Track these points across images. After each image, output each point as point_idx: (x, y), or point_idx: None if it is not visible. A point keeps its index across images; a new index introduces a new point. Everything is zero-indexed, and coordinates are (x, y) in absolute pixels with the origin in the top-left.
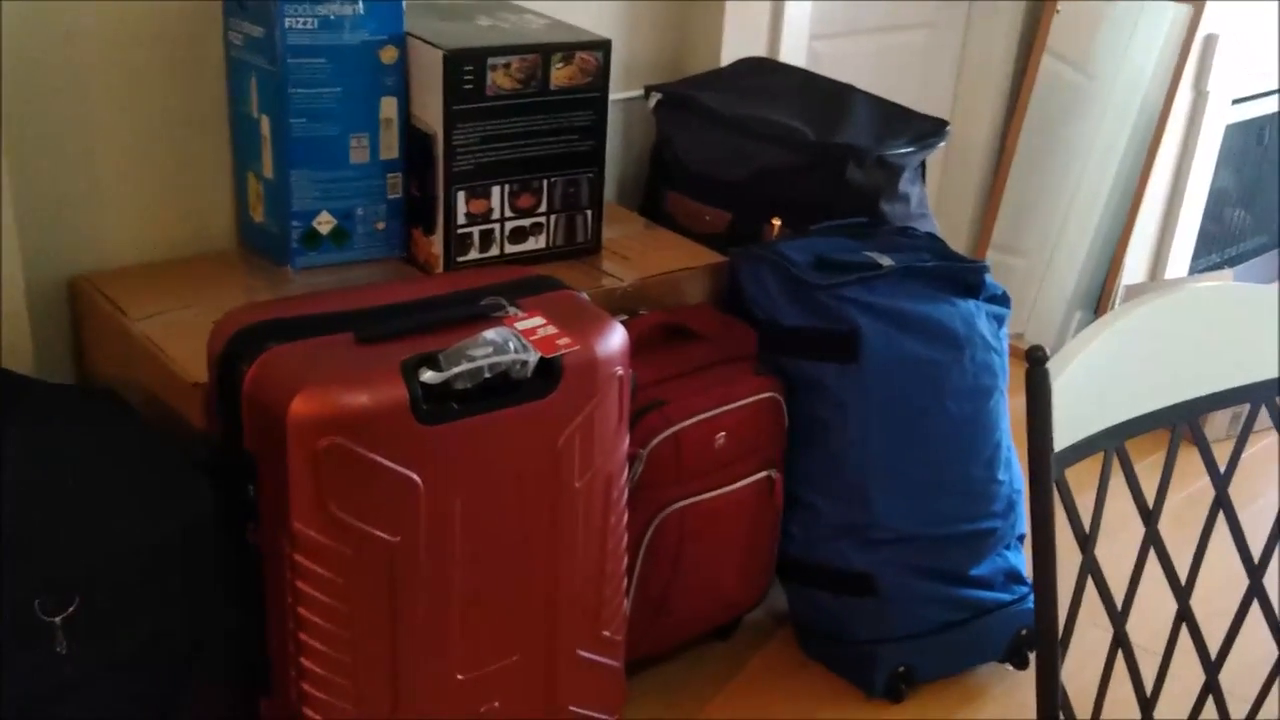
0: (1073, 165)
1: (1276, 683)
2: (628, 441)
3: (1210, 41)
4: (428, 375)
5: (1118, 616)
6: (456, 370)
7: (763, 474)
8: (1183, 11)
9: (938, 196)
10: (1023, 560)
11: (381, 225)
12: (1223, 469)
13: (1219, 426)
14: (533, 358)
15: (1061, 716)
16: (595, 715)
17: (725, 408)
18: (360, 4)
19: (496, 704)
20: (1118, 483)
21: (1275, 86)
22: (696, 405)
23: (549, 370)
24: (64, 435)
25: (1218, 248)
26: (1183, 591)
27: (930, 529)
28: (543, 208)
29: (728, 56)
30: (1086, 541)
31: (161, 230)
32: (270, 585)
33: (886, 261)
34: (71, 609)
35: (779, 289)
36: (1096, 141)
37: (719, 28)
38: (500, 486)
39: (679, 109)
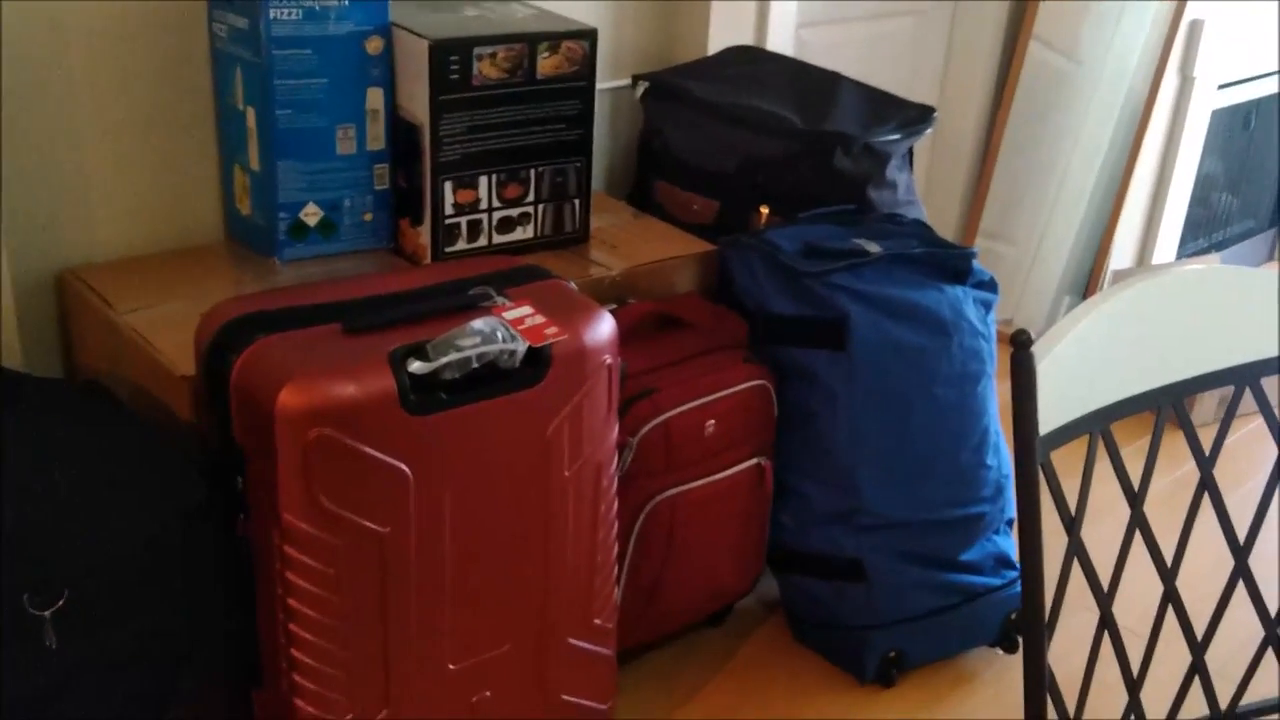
0: (1060, 151)
1: (1262, 663)
2: (617, 430)
3: (1195, 27)
4: (416, 366)
5: (1104, 598)
6: (444, 360)
7: (753, 462)
8: None
9: (926, 184)
10: (1012, 545)
11: (369, 216)
12: (1208, 452)
13: (1207, 410)
14: (521, 347)
15: (1049, 698)
16: (587, 703)
17: (714, 396)
18: None
19: (488, 693)
20: (1105, 466)
21: (1261, 71)
22: (686, 393)
23: (537, 359)
24: (52, 429)
25: (1205, 233)
26: (1169, 573)
27: (920, 514)
28: (530, 197)
29: (715, 45)
30: (1072, 524)
31: (148, 223)
32: (260, 577)
33: (874, 249)
34: (61, 603)
35: (767, 277)
36: (1084, 128)
37: (706, 16)
38: (490, 476)
39: (666, 98)
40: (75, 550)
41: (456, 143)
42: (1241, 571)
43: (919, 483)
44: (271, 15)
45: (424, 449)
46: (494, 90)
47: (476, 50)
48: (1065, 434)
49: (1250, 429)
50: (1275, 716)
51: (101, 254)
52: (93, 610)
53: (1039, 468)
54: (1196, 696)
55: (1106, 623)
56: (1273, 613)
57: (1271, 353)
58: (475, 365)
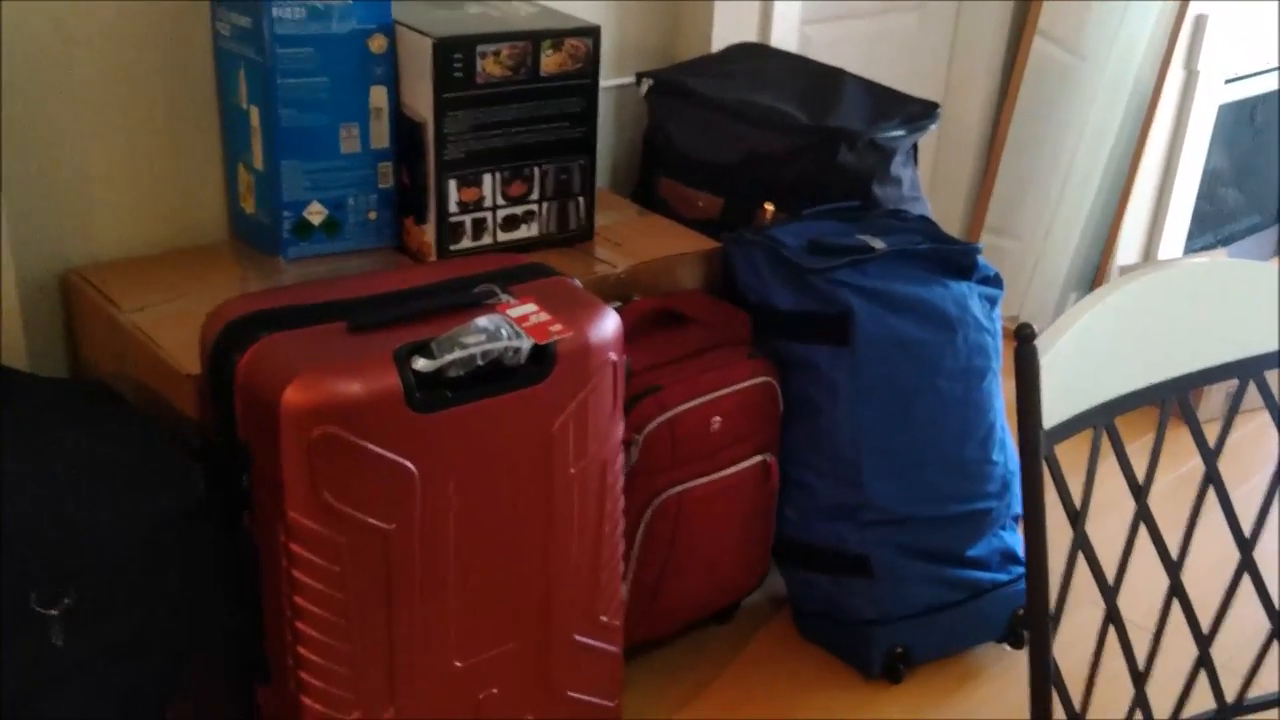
0: (1065, 146)
1: (1268, 656)
2: (622, 427)
3: (1201, 21)
4: (420, 363)
5: (1109, 591)
6: (449, 358)
7: (758, 458)
8: None
9: (931, 179)
10: (1019, 540)
11: (373, 215)
12: (1213, 445)
13: (1215, 405)
14: (526, 344)
15: (1054, 692)
16: (594, 700)
17: (720, 392)
18: None
19: (495, 690)
20: (1113, 461)
21: (1267, 66)
22: (691, 390)
23: (542, 357)
24: (57, 428)
25: (1212, 227)
26: (1174, 566)
27: (925, 509)
28: (535, 195)
29: (719, 42)
30: (1077, 518)
31: (153, 222)
32: (266, 574)
33: (879, 244)
34: (67, 601)
35: (772, 273)
36: (1089, 122)
37: (710, 13)
38: (495, 473)
39: (671, 95)
40: (80, 549)
41: (460, 141)
42: (1247, 565)
43: (924, 478)
44: (275, 14)
45: (429, 446)
46: (498, 88)
47: (480, 48)
48: (1069, 428)
49: (1256, 423)
50: None
51: (106, 253)
52: (98, 607)
53: (1043, 462)
54: (1203, 690)
55: (1112, 617)
56: (1278, 606)
57: (1275, 346)
58: (480, 363)
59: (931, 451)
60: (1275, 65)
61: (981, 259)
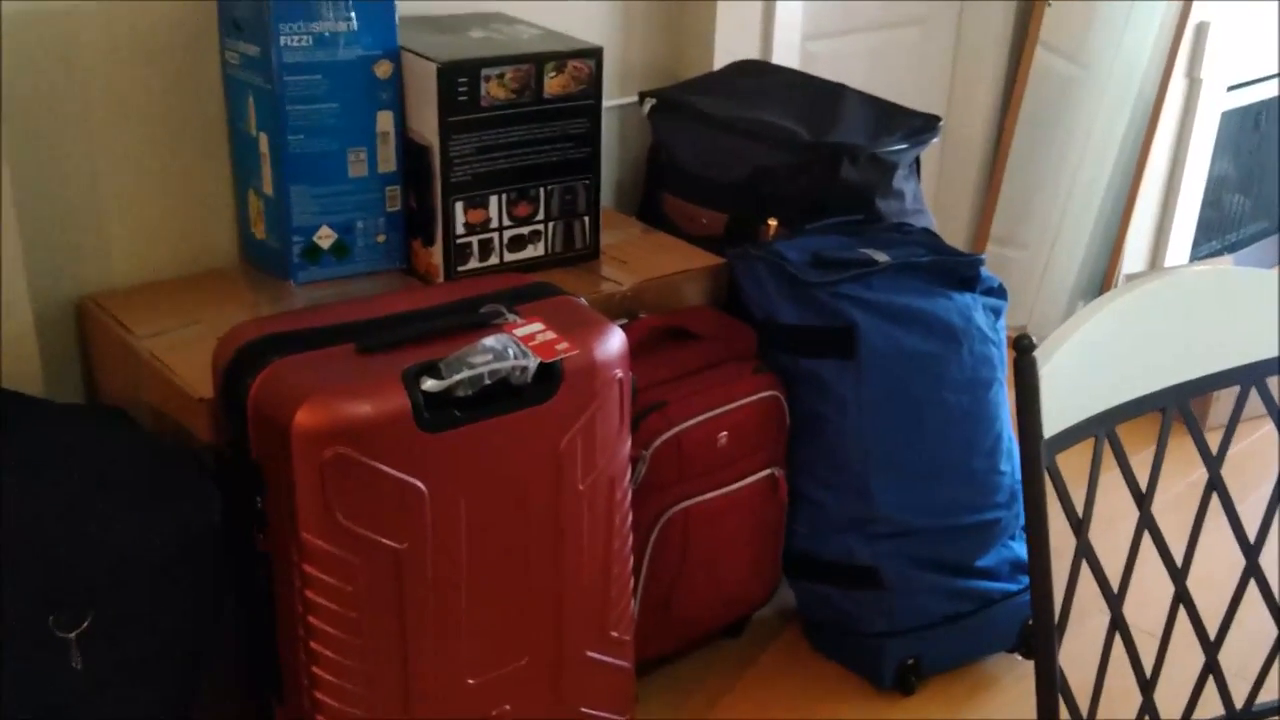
0: (1070, 156)
1: (1276, 662)
2: (630, 443)
3: (1202, 29)
4: (429, 383)
5: (1114, 599)
6: (457, 378)
7: (766, 472)
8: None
9: (936, 191)
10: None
11: (381, 238)
12: (1216, 451)
13: (1222, 412)
14: (532, 363)
15: (1061, 700)
16: (606, 715)
17: (726, 407)
18: (354, 20)
19: (507, 707)
20: (1116, 470)
21: (1270, 72)
22: (698, 405)
23: (549, 375)
24: (74, 452)
25: (1218, 234)
26: (1179, 573)
27: (934, 521)
28: (540, 215)
29: (720, 60)
30: (1080, 527)
31: (165, 249)
32: (280, 594)
33: (882, 257)
34: (85, 623)
35: (776, 288)
36: (1093, 132)
37: (711, 31)
38: (504, 491)
39: (673, 113)
40: (97, 571)
41: (466, 163)
42: (1253, 571)
43: (932, 489)
44: (282, 42)
45: (439, 465)
46: (502, 110)
47: (484, 71)
48: (1071, 437)
49: (1264, 432)
50: None
51: (119, 280)
52: (116, 629)
53: (1044, 471)
54: (1211, 697)
55: (1118, 624)
56: None
57: (1275, 352)
58: (488, 382)
59: (939, 463)
60: (1278, 72)
61: (985, 270)
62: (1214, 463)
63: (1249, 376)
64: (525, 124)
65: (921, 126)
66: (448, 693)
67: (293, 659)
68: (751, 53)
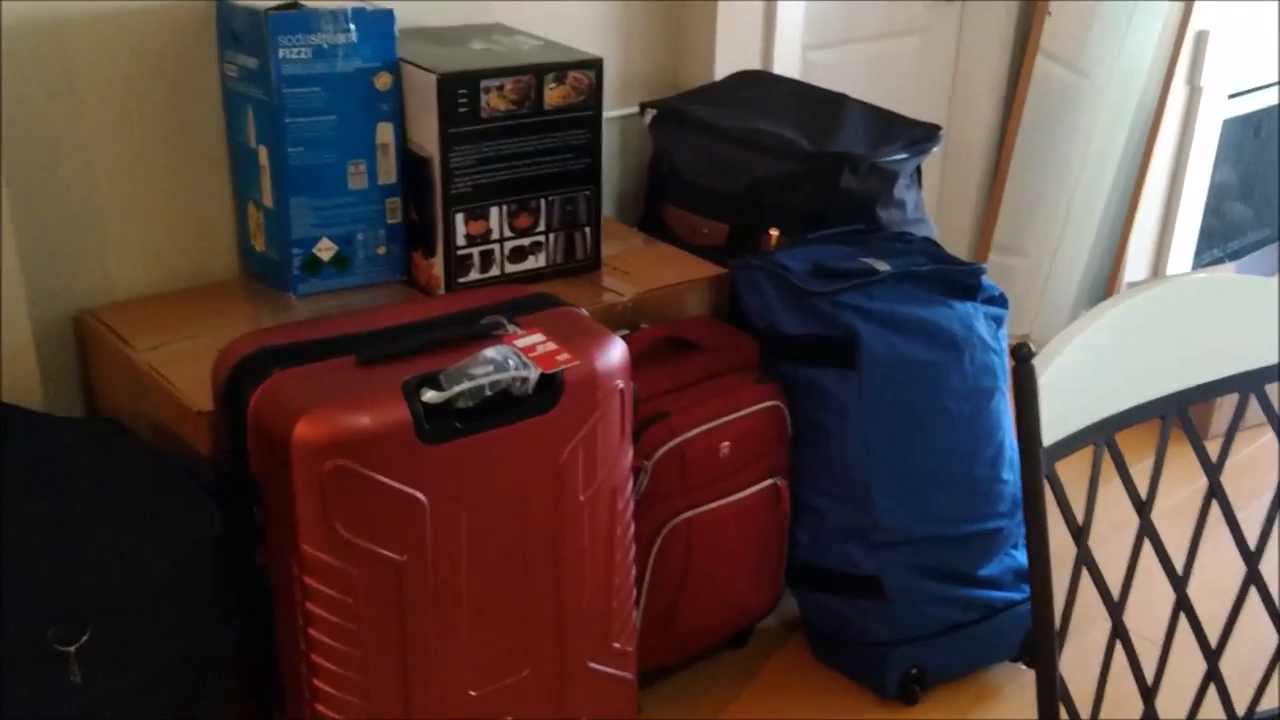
0: (1071, 164)
1: (1277, 669)
2: (631, 454)
3: (1202, 37)
4: (429, 395)
5: (1115, 607)
6: (458, 389)
7: (768, 482)
8: (1174, 8)
9: (938, 200)
10: None
11: (382, 250)
12: (1216, 459)
13: (1223, 421)
14: (533, 374)
15: (1063, 707)
16: None
17: (728, 417)
18: (353, 32)
19: (510, 718)
20: (1117, 478)
21: (1271, 80)
22: (699, 416)
23: (550, 386)
24: (72, 466)
25: (1219, 242)
26: (1180, 581)
27: (937, 530)
28: (541, 226)
29: (721, 70)
30: (1079, 535)
31: (165, 262)
32: (281, 607)
33: (883, 267)
34: (84, 638)
35: (778, 297)
36: (1094, 140)
37: (712, 42)
38: (505, 502)
39: (674, 124)
40: (96, 585)
41: (467, 174)
42: (1254, 578)
43: (934, 498)
44: (281, 55)
45: (439, 477)
46: (502, 122)
47: (484, 83)
48: (1070, 445)
49: (1264, 440)
50: None
51: (119, 293)
52: (115, 643)
53: (1044, 479)
54: (1213, 704)
55: (1118, 632)
56: None
57: (1274, 360)
58: (488, 393)
59: (941, 472)
60: (1278, 79)
61: (986, 279)
62: (1214, 470)
63: (1249, 384)
64: (526, 135)
65: (922, 136)
66: (449, 704)
67: (293, 671)
68: (752, 63)
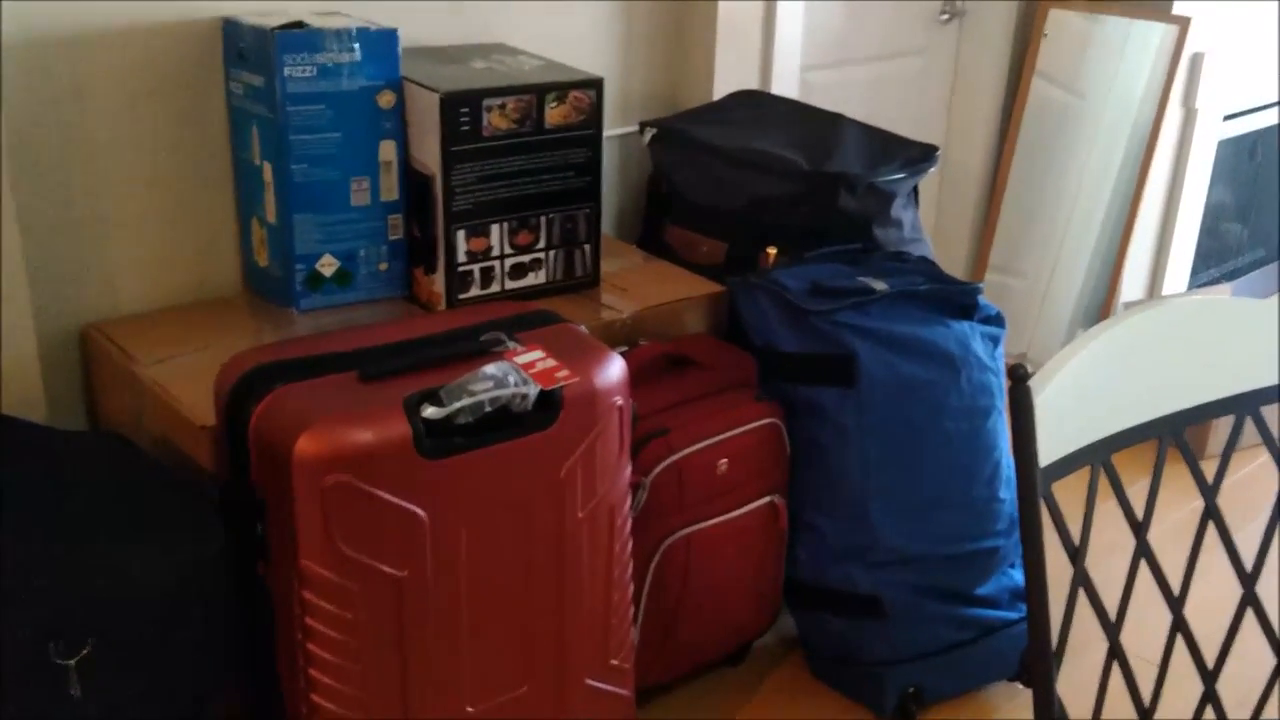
0: (1067, 185)
1: (1275, 691)
2: (630, 470)
3: (1197, 59)
4: (430, 411)
5: (1111, 628)
6: (458, 405)
7: (766, 499)
8: (1169, 30)
9: (935, 220)
10: None
11: (384, 266)
12: (1212, 480)
13: (1218, 441)
14: (533, 390)
15: None
16: None
17: (726, 435)
18: (357, 51)
19: None
20: (1113, 498)
21: (1266, 101)
22: (698, 433)
23: (549, 402)
24: (75, 479)
25: (1215, 263)
26: (1176, 602)
27: (934, 549)
28: (541, 244)
29: (720, 89)
30: (1076, 555)
31: (168, 277)
32: (281, 622)
33: (881, 286)
34: (85, 651)
35: (776, 316)
36: (1090, 161)
37: (711, 62)
38: (504, 518)
39: (673, 143)
40: (98, 599)
41: (468, 192)
42: (1250, 600)
43: (932, 517)
44: (286, 73)
45: (439, 493)
46: (504, 140)
47: (486, 102)
48: (1067, 465)
49: (1260, 461)
50: None
51: (123, 308)
52: (116, 657)
53: (1041, 500)
54: None
55: (1115, 653)
56: None
57: (1272, 381)
58: (488, 409)
59: (939, 491)
60: (1274, 101)
61: (983, 298)
62: (1210, 492)
63: (1244, 406)
64: (527, 153)
65: (919, 156)
66: None
67: (293, 686)
68: (751, 83)
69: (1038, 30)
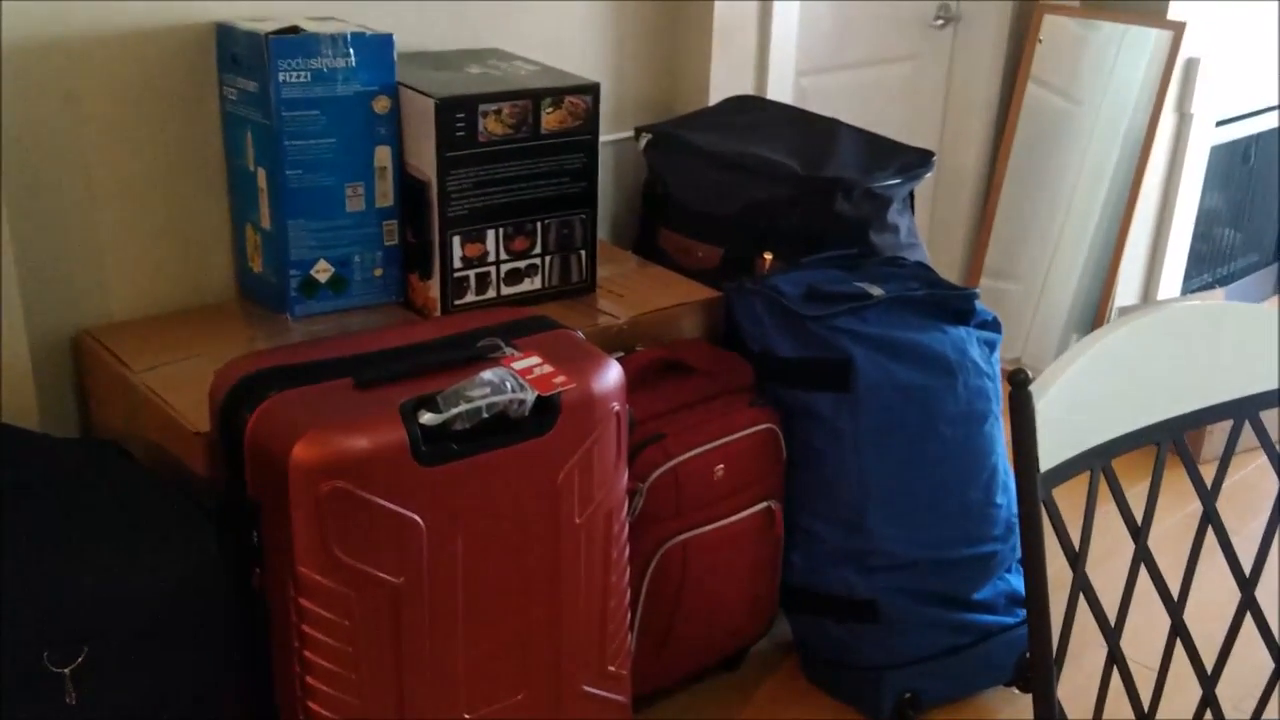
0: (1062, 190)
1: (1274, 695)
2: (627, 476)
3: (1191, 65)
4: (426, 417)
5: (1111, 633)
6: (455, 411)
7: (762, 505)
8: (1163, 36)
9: (930, 225)
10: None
11: (379, 272)
12: (1211, 485)
13: (1218, 444)
14: (530, 397)
15: None
16: None
17: (723, 440)
18: (352, 56)
19: None
20: (1112, 503)
21: (1259, 106)
22: (694, 439)
23: (546, 408)
24: (69, 487)
25: (1209, 267)
26: (1175, 606)
27: (931, 553)
28: (537, 249)
29: (716, 95)
30: (1076, 560)
31: (162, 283)
32: (277, 629)
33: (877, 291)
34: (80, 659)
35: (772, 321)
36: (1085, 166)
37: (707, 67)
38: (501, 525)
39: (669, 148)
40: (92, 607)
41: (464, 198)
42: (1249, 604)
43: (929, 522)
44: (281, 78)
45: (436, 499)
46: (499, 146)
47: (482, 107)
48: (1066, 470)
49: (1259, 464)
50: None
51: (117, 314)
52: (111, 665)
53: (1041, 505)
54: None
55: (1115, 658)
56: None
57: (1270, 386)
58: (485, 415)
59: (935, 496)
60: (1267, 106)
61: (979, 304)
62: (1209, 496)
63: (1242, 411)
64: (522, 159)
65: (915, 161)
66: None
67: (289, 693)
68: (746, 88)
69: (1032, 35)
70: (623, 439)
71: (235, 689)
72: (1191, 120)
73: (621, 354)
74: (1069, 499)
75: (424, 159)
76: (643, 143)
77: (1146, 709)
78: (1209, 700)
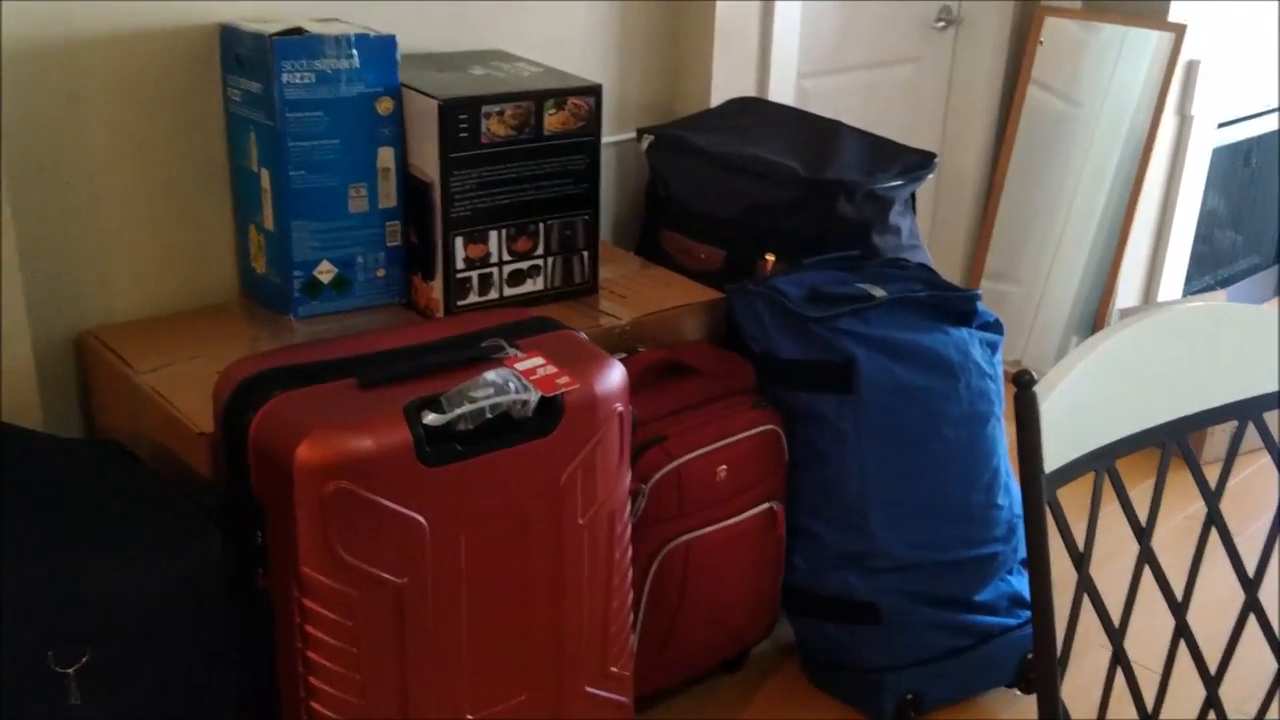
0: (1063, 192)
1: (1277, 696)
2: (629, 477)
3: (1192, 67)
4: (430, 418)
5: (1115, 634)
6: (458, 412)
7: (764, 506)
8: (1164, 39)
9: (931, 227)
10: (1026, 584)
11: (382, 272)
12: (1215, 486)
13: (1219, 445)
14: (533, 397)
15: None
16: None
17: (725, 441)
18: (356, 57)
19: None
20: (1116, 504)
21: (1260, 109)
22: (697, 440)
23: (550, 409)
24: (73, 487)
25: (1210, 269)
26: (1179, 607)
27: (933, 555)
28: (540, 250)
29: (718, 97)
30: (1080, 561)
31: (166, 284)
32: (280, 630)
33: (879, 293)
34: (84, 659)
35: (774, 323)
36: (1085, 168)
37: (709, 69)
38: (504, 525)
39: (671, 149)
40: (96, 607)
41: (467, 199)
42: (1252, 605)
43: (931, 523)
44: (284, 79)
45: (439, 500)
46: (502, 147)
47: (485, 109)
48: (1071, 471)
49: (1261, 465)
50: None
51: (120, 315)
52: (115, 665)
53: (1045, 506)
54: None
55: (1119, 658)
56: None
57: (1272, 388)
58: (489, 416)
59: (937, 497)
60: (1268, 109)
61: (981, 305)
62: (1212, 497)
63: (1245, 412)
64: (525, 160)
65: (917, 163)
66: None
67: (292, 694)
68: (748, 90)
69: (1033, 38)
70: (625, 440)
71: (239, 689)
72: (1192, 122)
73: (624, 355)
74: (1073, 500)
75: (427, 160)
76: (645, 144)
77: (1150, 710)
78: (1212, 701)
